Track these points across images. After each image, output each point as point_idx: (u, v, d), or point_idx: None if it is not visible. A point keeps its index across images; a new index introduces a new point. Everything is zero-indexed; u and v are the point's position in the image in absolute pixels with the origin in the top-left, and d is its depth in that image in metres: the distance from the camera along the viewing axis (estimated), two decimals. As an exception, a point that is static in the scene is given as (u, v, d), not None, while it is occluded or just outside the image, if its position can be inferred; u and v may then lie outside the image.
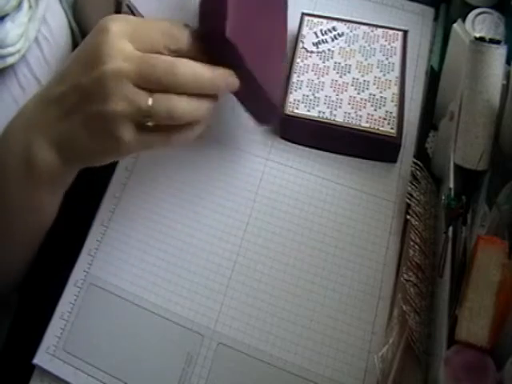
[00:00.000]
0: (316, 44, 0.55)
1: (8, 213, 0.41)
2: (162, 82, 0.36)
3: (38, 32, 0.47)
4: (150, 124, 0.37)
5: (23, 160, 0.38)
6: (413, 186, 0.50)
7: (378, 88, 0.52)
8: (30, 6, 0.46)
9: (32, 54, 0.47)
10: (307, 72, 0.53)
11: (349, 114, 0.51)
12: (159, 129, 0.38)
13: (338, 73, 0.53)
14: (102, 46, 0.35)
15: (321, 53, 0.54)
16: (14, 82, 0.45)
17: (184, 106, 0.37)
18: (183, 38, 0.37)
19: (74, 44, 0.54)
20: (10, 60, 0.43)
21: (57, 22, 0.50)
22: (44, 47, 0.48)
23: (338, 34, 0.55)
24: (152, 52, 0.36)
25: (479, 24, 0.52)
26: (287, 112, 0.51)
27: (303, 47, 0.55)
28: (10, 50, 0.42)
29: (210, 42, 0.39)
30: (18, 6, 0.44)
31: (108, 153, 0.39)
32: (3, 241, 0.43)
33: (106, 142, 0.38)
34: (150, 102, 0.36)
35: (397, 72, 0.53)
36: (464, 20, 0.52)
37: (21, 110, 0.40)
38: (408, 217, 0.49)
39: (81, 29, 0.55)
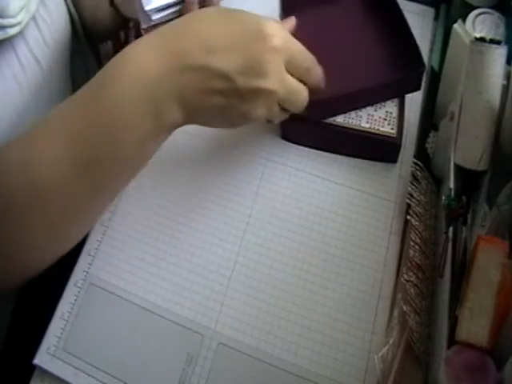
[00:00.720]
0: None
1: (120, 162, 0.41)
2: (293, 107, 0.45)
3: (36, 11, 0.46)
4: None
5: (150, 113, 0.39)
6: (413, 186, 0.50)
7: (378, 88, 0.52)
8: None
9: (31, 33, 0.46)
10: (307, 72, 0.53)
11: (349, 114, 0.51)
12: None
13: (338, 73, 0.53)
14: (270, 64, 0.41)
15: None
16: (14, 57, 0.45)
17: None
18: (313, 79, 0.45)
19: (73, 29, 0.54)
20: (11, 31, 0.43)
21: (55, 6, 0.50)
22: (43, 28, 0.48)
23: (338, 34, 0.55)
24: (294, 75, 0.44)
25: (479, 24, 0.52)
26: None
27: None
28: (11, 21, 0.42)
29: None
30: None
31: (227, 128, 0.47)
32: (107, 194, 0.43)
33: (233, 125, 0.44)
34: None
35: (397, 72, 0.53)
36: (464, 20, 0.52)
37: (135, 59, 0.39)
38: (408, 217, 0.49)
39: (79, 14, 0.55)
